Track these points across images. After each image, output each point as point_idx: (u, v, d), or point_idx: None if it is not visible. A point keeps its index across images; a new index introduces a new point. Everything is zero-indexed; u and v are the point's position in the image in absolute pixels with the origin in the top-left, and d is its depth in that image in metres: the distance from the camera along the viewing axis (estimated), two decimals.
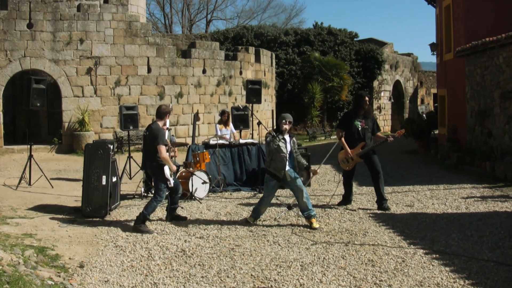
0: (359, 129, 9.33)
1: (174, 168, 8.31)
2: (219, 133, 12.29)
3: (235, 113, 12.62)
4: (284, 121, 8.20)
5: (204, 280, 5.82)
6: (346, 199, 9.74)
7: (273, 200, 9.11)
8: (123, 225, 8.33)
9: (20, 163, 15.08)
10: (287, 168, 8.12)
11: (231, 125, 12.60)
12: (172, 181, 8.19)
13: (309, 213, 8.12)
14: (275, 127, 8.63)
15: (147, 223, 8.10)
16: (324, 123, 30.17)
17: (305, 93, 29.03)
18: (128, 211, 9.26)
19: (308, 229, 7.96)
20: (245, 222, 8.46)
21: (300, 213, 8.28)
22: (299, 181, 8.17)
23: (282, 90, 29.96)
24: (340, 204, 9.72)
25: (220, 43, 24.73)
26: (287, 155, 8.10)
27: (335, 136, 24.11)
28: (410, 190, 11.23)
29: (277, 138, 8.09)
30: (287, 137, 8.22)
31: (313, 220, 8.10)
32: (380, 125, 32.00)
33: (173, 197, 8.64)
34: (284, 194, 10.80)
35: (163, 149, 7.98)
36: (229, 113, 12.68)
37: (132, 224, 8.31)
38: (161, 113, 8.42)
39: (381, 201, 9.36)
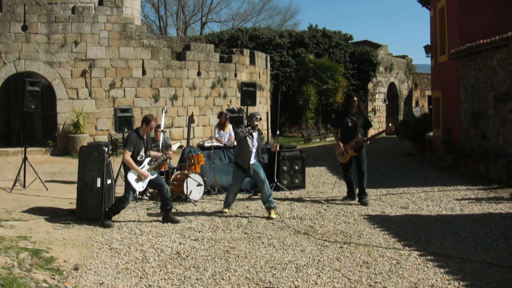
0: (350, 125, 10.01)
1: (142, 172, 8.44)
2: (216, 135, 12.26)
3: (229, 115, 12.61)
4: (255, 118, 9.12)
5: (199, 282, 5.82)
6: (350, 193, 10.38)
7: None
8: (117, 228, 8.32)
9: (14, 166, 15.03)
10: (253, 161, 9.03)
11: (230, 127, 12.50)
12: (138, 186, 8.46)
13: (269, 205, 8.98)
14: (246, 123, 9.62)
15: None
16: (319, 125, 30.19)
17: (300, 95, 29.05)
18: (122, 213, 9.22)
19: (304, 231, 7.97)
20: (221, 213, 9.27)
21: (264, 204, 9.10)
22: (263, 175, 9.04)
23: (277, 93, 29.96)
24: (345, 198, 10.41)
25: (215, 45, 24.70)
26: (253, 149, 9.02)
27: (330, 138, 24.26)
28: (404, 192, 11.26)
29: (246, 130, 9.00)
30: (255, 134, 9.11)
31: (272, 211, 8.95)
32: (375, 127, 32.12)
33: (161, 199, 8.83)
34: (278, 196, 10.83)
35: (125, 153, 8.39)
36: (226, 114, 12.63)
37: (127, 226, 8.37)
38: (143, 120, 8.77)
39: (362, 195, 10.03)
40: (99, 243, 7.43)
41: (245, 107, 13.56)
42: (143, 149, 8.60)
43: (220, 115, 12.71)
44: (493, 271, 5.98)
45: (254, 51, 24.96)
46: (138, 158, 8.50)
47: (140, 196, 10.70)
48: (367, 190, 10.22)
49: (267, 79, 27.25)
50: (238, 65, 23.29)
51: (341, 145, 10.04)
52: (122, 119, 12.18)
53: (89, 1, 21.94)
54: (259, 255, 6.79)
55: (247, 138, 8.99)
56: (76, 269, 6.25)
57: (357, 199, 10.20)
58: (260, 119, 9.22)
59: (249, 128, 9.06)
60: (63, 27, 18.90)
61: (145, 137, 8.63)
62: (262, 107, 25.41)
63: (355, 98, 10.18)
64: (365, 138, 10.00)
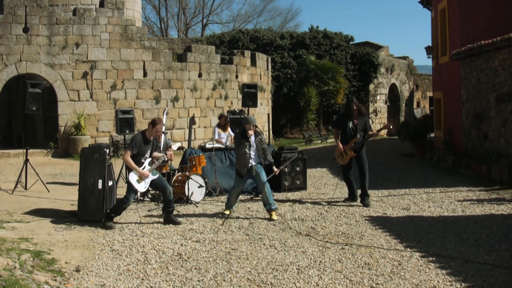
0: (351, 127, 10.17)
1: (142, 172, 8.44)
2: (216, 137, 12.26)
3: (231, 116, 12.60)
4: (248, 125, 9.10)
5: (200, 284, 5.81)
6: (352, 195, 10.45)
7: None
8: (119, 229, 8.32)
9: (16, 167, 15.05)
10: (254, 163, 9.07)
11: (229, 129, 12.51)
12: (140, 187, 8.48)
13: (270, 207, 9.00)
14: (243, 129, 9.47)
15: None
16: (320, 127, 30.18)
17: (301, 96, 29.04)
18: (124, 215, 9.23)
19: (305, 233, 7.97)
20: (222, 215, 9.17)
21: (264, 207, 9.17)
22: (263, 177, 9.05)
23: (278, 94, 29.97)
24: (346, 200, 10.47)
25: (216, 47, 24.71)
26: (252, 153, 9.04)
27: (331, 140, 24.30)
28: (406, 193, 11.25)
29: (244, 145, 9.01)
30: (252, 138, 9.09)
31: (273, 213, 8.96)
32: (376, 128, 32.08)
33: (164, 200, 8.78)
34: (277, 198, 10.82)
35: (126, 154, 8.44)
36: (227, 116, 12.64)
37: (128, 227, 8.37)
38: (150, 122, 8.77)
39: (364, 196, 10.12)
40: (101, 245, 7.43)
41: (247, 108, 13.54)
42: (149, 151, 8.60)
43: (220, 116, 12.72)
44: (495, 272, 5.97)
45: (255, 53, 24.97)
46: (142, 160, 8.50)
47: (142, 198, 10.71)
48: (369, 191, 10.23)
49: (268, 81, 27.25)
50: (239, 66, 23.30)
51: (340, 145, 10.17)
52: (123, 121, 12.17)
53: (90, 3, 21.96)
54: (261, 256, 6.79)
55: (245, 150, 9.03)
56: (77, 270, 6.24)
57: (359, 200, 10.22)
58: (255, 126, 9.18)
59: (243, 139, 9.07)
60: (64, 29, 18.92)
61: (151, 139, 8.63)
62: (263, 108, 25.42)
63: (354, 103, 10.24)
64: (375, 132, 10.28)
